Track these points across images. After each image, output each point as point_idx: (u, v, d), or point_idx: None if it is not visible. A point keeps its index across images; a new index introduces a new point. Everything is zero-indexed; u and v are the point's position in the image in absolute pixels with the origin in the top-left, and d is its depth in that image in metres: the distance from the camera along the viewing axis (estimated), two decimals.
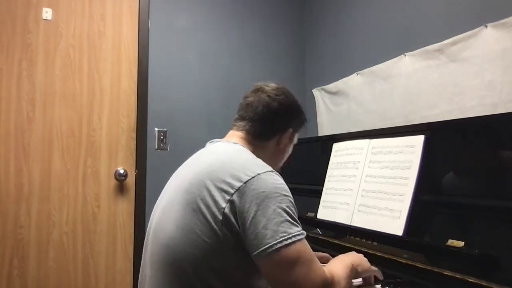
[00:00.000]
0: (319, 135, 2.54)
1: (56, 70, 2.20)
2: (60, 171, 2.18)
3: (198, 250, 0.88)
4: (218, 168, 0.93)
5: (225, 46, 2.58)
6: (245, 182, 0.89)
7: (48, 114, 2.17)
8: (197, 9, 2.54)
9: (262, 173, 0.91)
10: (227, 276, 0.90)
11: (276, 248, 0.83)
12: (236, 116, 1.14)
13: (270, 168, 0.94)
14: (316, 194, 1.70)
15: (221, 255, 0.89)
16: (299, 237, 0.86)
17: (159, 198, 1.08)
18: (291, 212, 0.89)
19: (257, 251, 0.85)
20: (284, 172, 2.18)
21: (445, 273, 1.02)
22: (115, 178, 2.28)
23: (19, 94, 2.13)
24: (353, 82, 2.26)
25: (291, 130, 1.13)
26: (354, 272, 1.00)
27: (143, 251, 1.05)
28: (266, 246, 0.84)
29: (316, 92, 2.64)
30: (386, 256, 1.22)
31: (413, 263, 1.12)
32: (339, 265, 1.01)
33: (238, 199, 0.87)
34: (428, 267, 1.08)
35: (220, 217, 0.87)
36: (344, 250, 1.38)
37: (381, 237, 1.28)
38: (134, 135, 2.34)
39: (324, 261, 1.28)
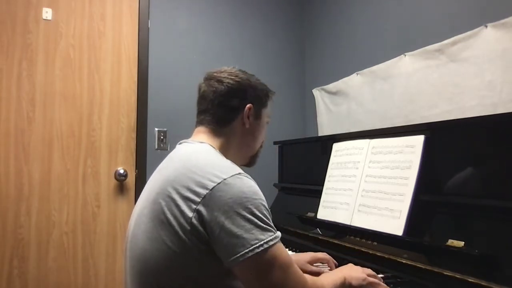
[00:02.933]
0: (319, 135, 2.54)
1: (56, 70, 2.20)
2: (60, 171, 2.18)
3: (171, 261, 0.87)
4: (182, 175, 0.90)
5: (225, 46, 2.58)
6: (211, 189, 0.85)
7: (48, 114, 2.17)
8: (197, 9, 2.54)
9: (228, 177, 0.87)
10: (203, 282, 0.89)
11: (248, 257, 0.81)
12: (197, 111, 1.11)
13: (237, 171, 0.90)
14: (316, 194, 1.70)
15: (194, 263, 0.87)
16: (271, 243, 0.84)
17: (135, 205, 1.05)
18: (262, 216, 0.85)
19: (229, 260, 0.83)
20: (284, 172, 2.19)
21: (445, 273, 1.02)
22: (115, 178, 2.28)
23: (19, 94, 2.13)
24: (353, 82, 2.26)
25: (250, 105, 1.06)
26: (346, 286, 0.99)
27: (124, 261, 1.03)
28: (237, 255, 0.82)
29: (316, 92, 2.64)
30: (386, 256, 1.22)
31: (413, 263, 1.12)
32: (328, 277, 1.01)
33: (205, 208, 0.84)
34: (428, 267, 1.08)
35: (188, 227, 0.85)
36: (344, 250, 1.39)
37: (381, 237, 1.28)
38: (134, 135, 2.34)
39: (324, 261, 1.29)
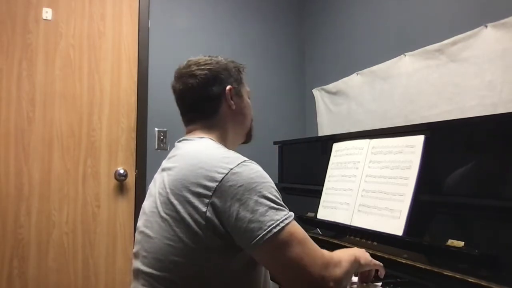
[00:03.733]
0: (319, 135, 2.54)
1: (56, 70, 2.20)
2: (60, 171, 2.18)
3: (188, 257, 0.89)
4: (190, 173, 0.91)
5: (225, 46, 2.57)
6: (220, 181, 0.87)
7: (48, 114, 2.17)
8: (197, 9, 2.54)
9: (235, 166, 0.89)
10: (218, 276, 0.90)
11: (267, 238, 0.83)
12: (180, 112, 1.11)
13: (242, 159, 0.92)
14: (316, 194, 1.70)
15: (210, 257, 0.89)
16: (287, 221, 0.86)
17: (143, 205, 1.06)
18: (273, 197, 0.88)
19: (249, 246, 0.85)
20: (284, 172, 2.19)
21: (445, 273, 1.02)
22: (115, 178, 2.28)
23: (19, 94, 2.13)
24: (353, 82, 2.26)
25: (229, 87, 1.07)
26: (357, 262, 1.00)
27: (133, 262, 1.03)
28: (257, 239, 0.83)
29: (316, 92, 2.64)
30: (386, 256, 1.22)
31: (413, 263, 1.12)
32: (342, 252, 1.02)
33: (218, 199, 0.87)
34: (428, 267, 1.07)
35: (204, 222, 0.87)
36: None
37: (381, 237, 1.28)
38: (134, 135, 2.34)
39: None
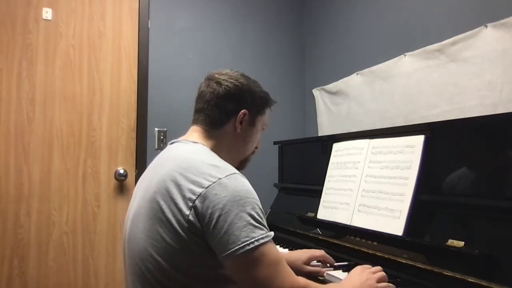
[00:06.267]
0: (319, 135, 2.54)
1: (56, 70, 2.20)
2: (60, 171, 2.18)
3: (171, 257, 0.89)
4: (179, 175, 0.92)
5: (225, 46, 2.58)
6: (207, 188, 0.88)
7: (48, 114, 2.17)
8: (197, 9, 2.54)
9: (224, 177, 0.90)
10: (201, 277, 0.91)
11: (238, 254, 0.84)
12: (194, 110, 1.12)
13: (232, 171, 0.93)
14: (316, 194, 1.70)
15: (193, 258, 0.90)
16: (262, 241, 0.86)
17: (129, 205, 1.07)
18: (255, 215, 0.88)
19: (221, 256, 0.86)
20: (284, 172, 2.19)
21: (445, 273, 1.02)
22: (115, 178, 2.28)
23: (19, 94, 2.13)
24: (353, 82, 2.26)
25: (244, 111, 1.07)
26: None
27: (123, 261, 1.06)
28: (228, 252, 0.85)
29: (316, 92, 2.64)
30: (386, 256, 1.22)
31: (413, 263, 1.12)
32: (337, 285, 1.02)
33: (200, 205, 0.87)
34: (428, 267, 1.08)
35: (186, 225, 0.88)
36: (344, 250, 1.39)
37: (381, 237, 1.28)
38: (134, 135, 2.34)
39: (322, 259, 1.30)
